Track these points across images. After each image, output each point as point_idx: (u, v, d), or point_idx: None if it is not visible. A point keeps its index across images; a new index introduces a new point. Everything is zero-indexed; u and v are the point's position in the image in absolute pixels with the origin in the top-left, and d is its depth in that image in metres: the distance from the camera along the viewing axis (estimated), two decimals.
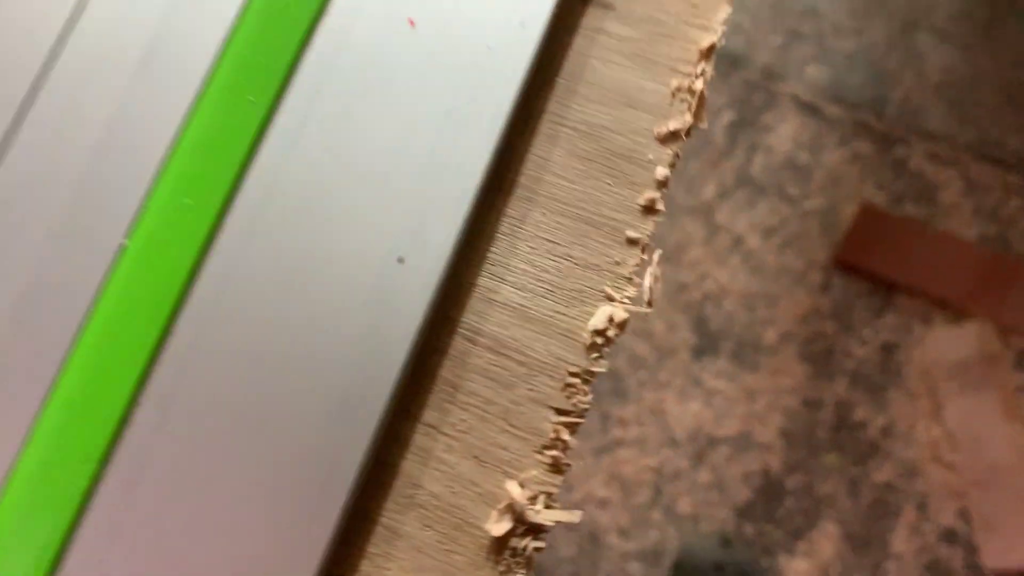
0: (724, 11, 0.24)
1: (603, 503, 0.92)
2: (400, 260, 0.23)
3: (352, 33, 0.25)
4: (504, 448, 0.23)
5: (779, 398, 0.94)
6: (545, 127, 0.25)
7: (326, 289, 0.23)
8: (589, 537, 0.91)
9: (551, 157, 0.25)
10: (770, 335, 0.95)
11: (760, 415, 0.93)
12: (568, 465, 0.22)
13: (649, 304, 0.23)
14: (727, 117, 1.01)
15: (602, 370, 0.23)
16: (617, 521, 0.92)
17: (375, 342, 0.23)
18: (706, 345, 0.95)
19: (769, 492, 0.91)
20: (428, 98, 0.24)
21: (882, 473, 0.91)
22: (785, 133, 1.00)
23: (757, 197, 0.99)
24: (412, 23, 0.25)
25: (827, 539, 0.90)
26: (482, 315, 0.24)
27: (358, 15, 0.25)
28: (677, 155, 0.24)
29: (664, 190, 0.24)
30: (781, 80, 1.01)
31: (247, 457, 0.22)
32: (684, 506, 0.92)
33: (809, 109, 1.00)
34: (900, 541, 0.90)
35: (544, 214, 0.24)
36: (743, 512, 0.91)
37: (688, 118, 0.24)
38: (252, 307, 0.23)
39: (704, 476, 0.92)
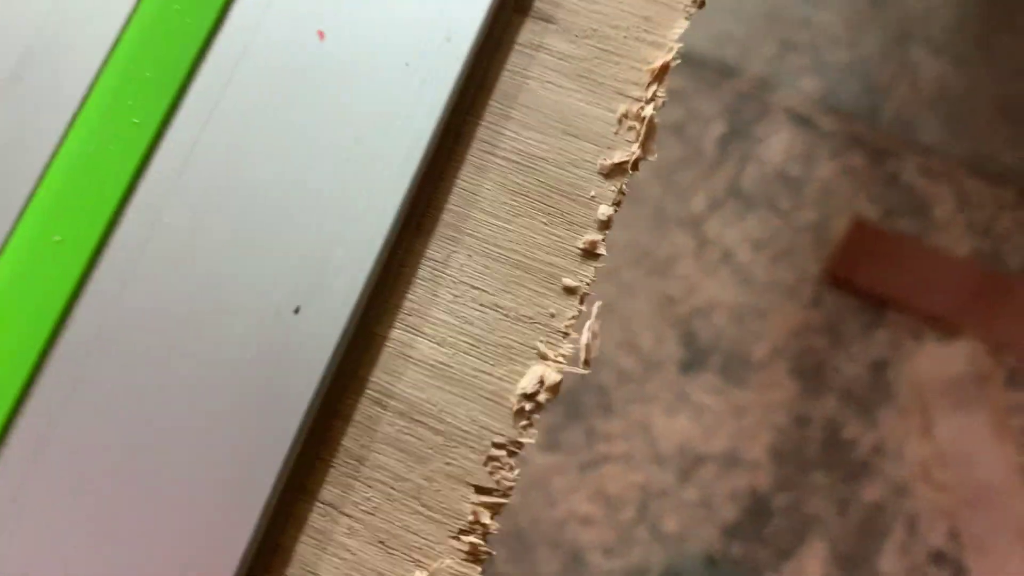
0: (680, 26, 0.21)
1: (587, 520, 0.91)
2: (297, 310, 0.20)
3: (253, 47, 0.22)
4: (414, 532, 0.20)
5: (768, 414, 0.92)
6: (473, 157, 0.22)
7: (211, 342, 0.20)
8: (572, 554, 0.90)
9: (480, 191, 0.22)
10: (759, 350, 0.94)
11: (748, 431, 0.92)
12: (489, 554, 0.19)
13: (586, 364, 0.20)
14: (718, 128, 1.00)
15: (531, 441, 0.20)
16: (601, 538, 0.90)
17: (266, 404, 0.20)
18: (694, 359, 0.94)
19: (757, 510, 0.90)
20: (337, 122, 0.21)
21: (871, 492, 0.90)
22: (777, 145, 0.99)
23: (748, 209, 0.98)
24: (321, 35, 0.21)
25: (815, 558, 0.89)
26: (394, 374, 0.21)
27: (260, 27, 0.22)
28: (622, 191, 0.21)
29: (607, 231, 0.21)
30: (773, 91, 1.00)
31: (113, 539, 0.19)
32: (670, 524, 0.91)
33: (802, 121, 0.99)
34: (889, 561, 0.89)
35: (470, 256, 0.21)
36: (730, 531, 0.90)
37: (635, 149, 0.21)
38: (126, 363, 0.20)
39: (691, 493, 0.91)
